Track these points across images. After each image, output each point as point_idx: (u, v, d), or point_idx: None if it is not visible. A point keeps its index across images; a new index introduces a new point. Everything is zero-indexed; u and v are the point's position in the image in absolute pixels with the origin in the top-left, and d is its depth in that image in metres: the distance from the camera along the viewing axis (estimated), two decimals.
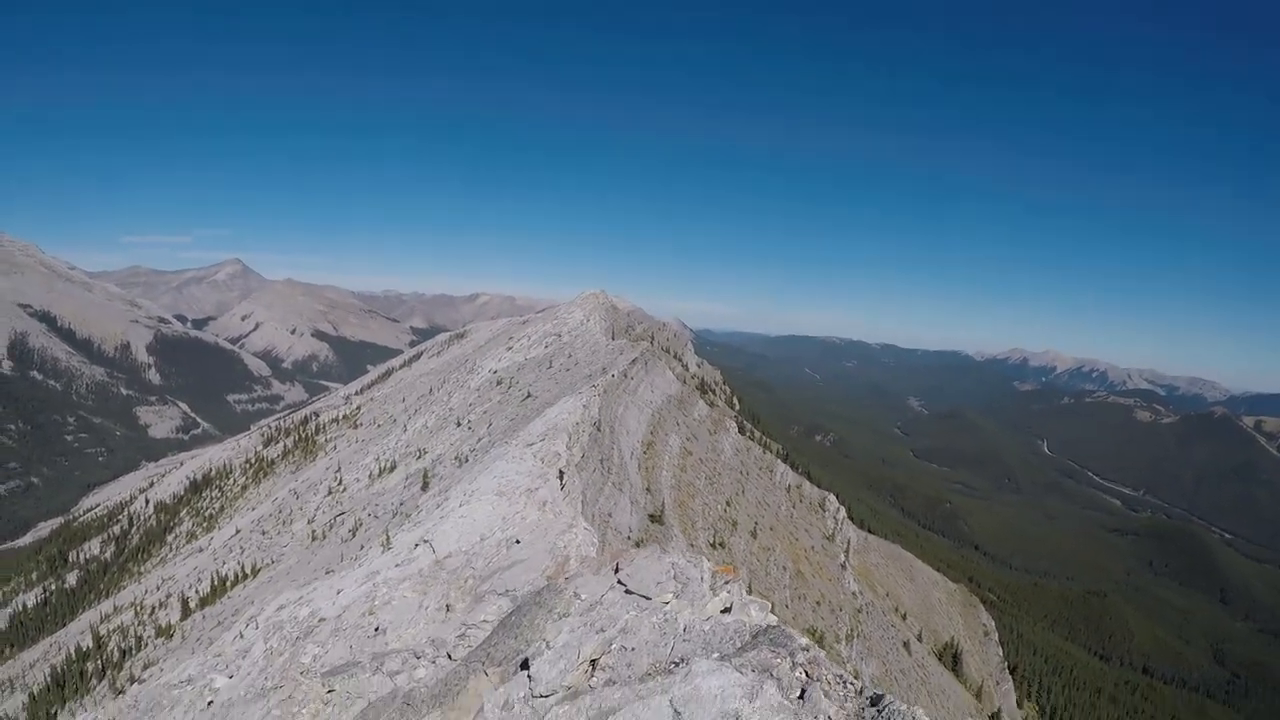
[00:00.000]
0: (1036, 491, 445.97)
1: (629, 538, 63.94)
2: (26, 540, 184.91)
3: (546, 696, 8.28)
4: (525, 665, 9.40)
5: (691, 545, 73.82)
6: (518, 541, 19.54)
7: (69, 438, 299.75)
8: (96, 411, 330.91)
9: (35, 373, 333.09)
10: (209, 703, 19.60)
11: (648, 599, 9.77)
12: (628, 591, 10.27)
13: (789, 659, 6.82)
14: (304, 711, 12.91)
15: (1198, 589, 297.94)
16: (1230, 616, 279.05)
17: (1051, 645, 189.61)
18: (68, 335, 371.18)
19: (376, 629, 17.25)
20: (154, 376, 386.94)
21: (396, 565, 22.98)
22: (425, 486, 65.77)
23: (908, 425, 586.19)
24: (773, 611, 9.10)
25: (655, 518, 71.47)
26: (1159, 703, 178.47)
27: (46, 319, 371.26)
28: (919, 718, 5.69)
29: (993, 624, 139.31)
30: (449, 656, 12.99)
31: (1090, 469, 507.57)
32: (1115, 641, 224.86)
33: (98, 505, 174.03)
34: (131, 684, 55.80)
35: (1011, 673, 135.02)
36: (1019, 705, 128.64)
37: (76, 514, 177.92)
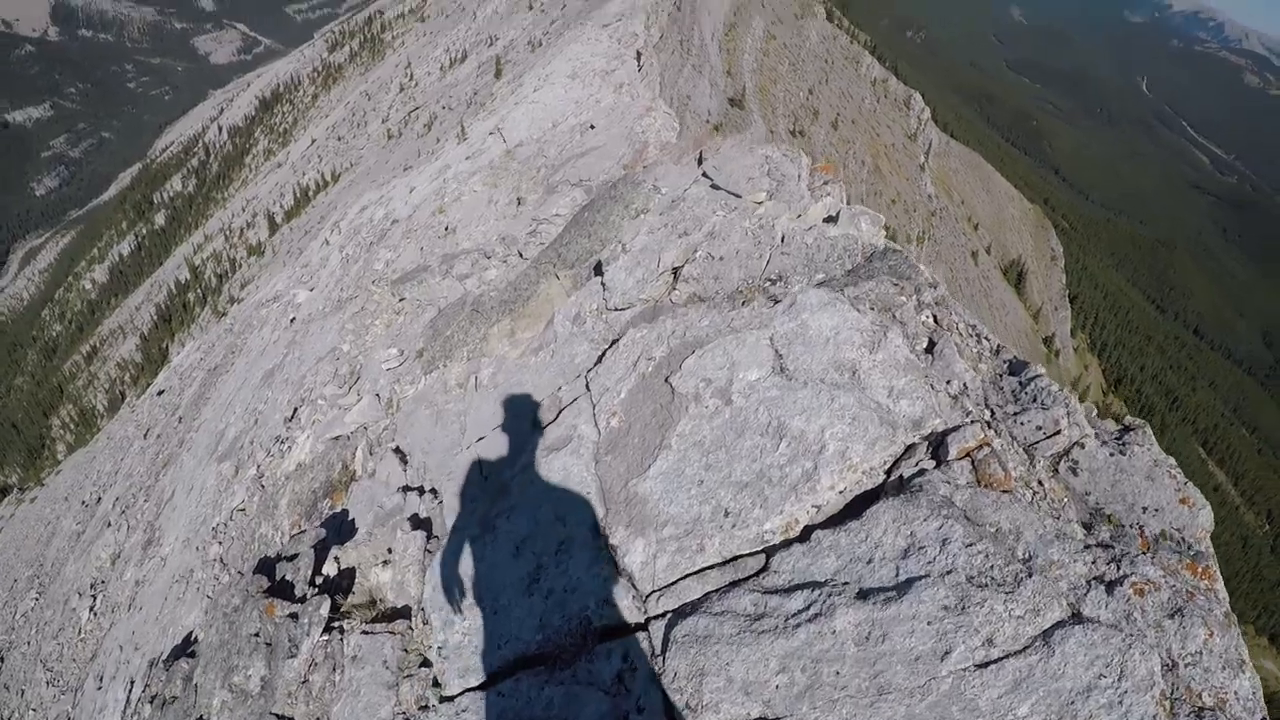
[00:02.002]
0: (1127, 128, 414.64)
1: (708, 121, 62.14)
2: (111, 194, 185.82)
3: (622, 310, 7.27)
4: (599, 270, 8.39)
5: (771, 132, 71.85)
6: (592, 127, 18.04)
7: (131, 85, 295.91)
8: (154, 52, 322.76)
9: (84, 30, 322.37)
10: (291, 319, 19.82)
11: (737, 197, 8.39)
12: (714, 186, 8.90)
13: (914, 297, 5.38)
14: (377, 323, 12.75)
15: (1266, 267, 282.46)
16: None
17: (1113, 284, 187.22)
18: None
19: (446, 228, 16.55)
20: (205, 3, 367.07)
21: (467, 158, 21.93)
22: (499, 74, 63.17)
23: (1004, 33, 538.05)
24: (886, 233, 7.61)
25: (735, 102, 69.08)
26: (1202, 365, 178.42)
27: None
28: (1072, 404, 4.37)
29: (1061, 250, 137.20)
30: (520, 255, 12.14)
31: (1186, 119, 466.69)
32: (1174, 296, 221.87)
33: (172, 144, 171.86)
34: (232, 304, 58.57)
35: (1071, 301, 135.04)
36: (1072, 334, 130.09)
37: (153, 157, 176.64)
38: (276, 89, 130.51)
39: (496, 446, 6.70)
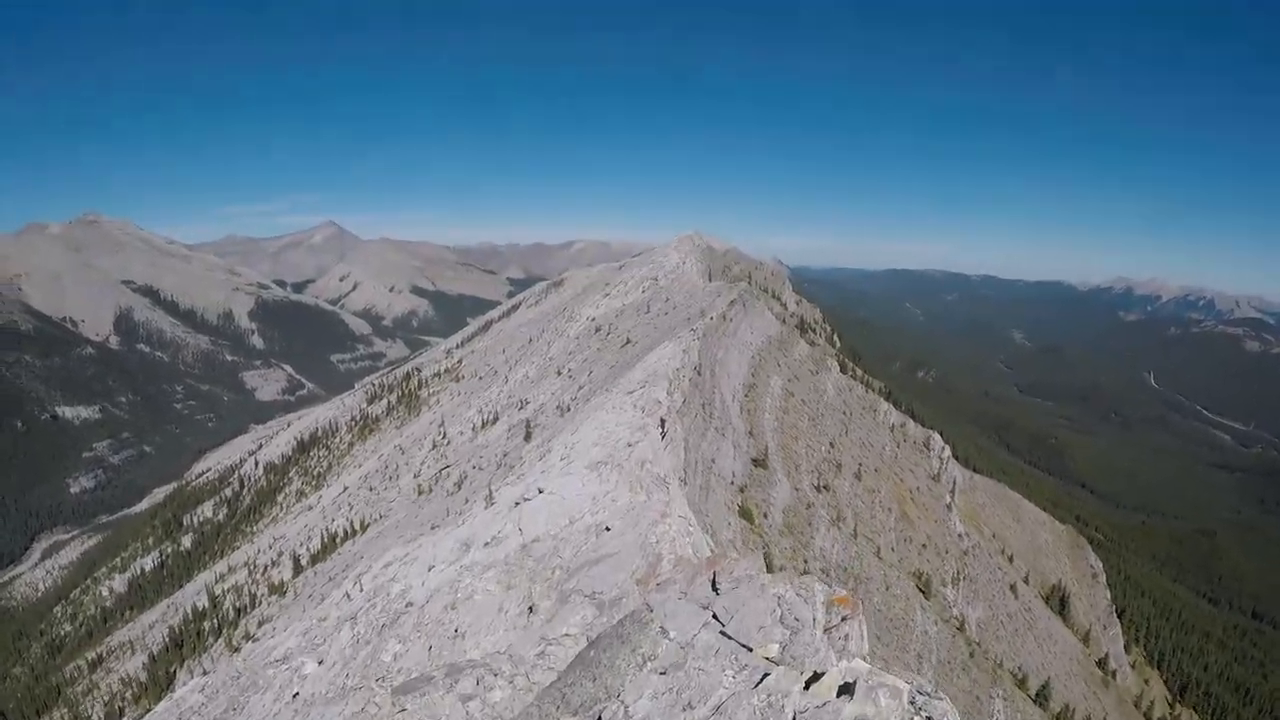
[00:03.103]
0: (1143, 426, 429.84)
1: (732, 483, 63.18)
2: (142, 506, 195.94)
3: None
4: None
5: (795, 489, 72.76)
6: (608, 529, 18.20)
7: (178, 405, 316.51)
8: (203, 379, 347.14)
9: (142, 345, 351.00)
10: (295, 694, 19.29)
11: (748, 650, 8.18)
12: (723, 632, 8.72)
13: None
14: None
15: None
16: None
17: (1160, 587, 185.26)
18: (171, 307, 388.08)
19: (456, 630, 16.28)
20: (257, 341, 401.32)
21: (486, 544, 22.06)
22: (528, 437, 65.96)
23: (1011, 359, 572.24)
24: (905, 685, 7.23)
25: (759, 462, 70.71)
26: (1268, 648, 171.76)
27: (150, 293, 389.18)
28: None
29: (1100, 566, 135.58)
30: (527, 677, 11.83)
31: (1199, 402, 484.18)
32: (1224, 583, 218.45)
33: (209, 469, 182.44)
34: (247, 641, 57.89)
35: (1119, 616, 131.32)
36: (1126, 650, 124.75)
37: (189, 479, 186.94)
38: (315, 432, 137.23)
39: None
